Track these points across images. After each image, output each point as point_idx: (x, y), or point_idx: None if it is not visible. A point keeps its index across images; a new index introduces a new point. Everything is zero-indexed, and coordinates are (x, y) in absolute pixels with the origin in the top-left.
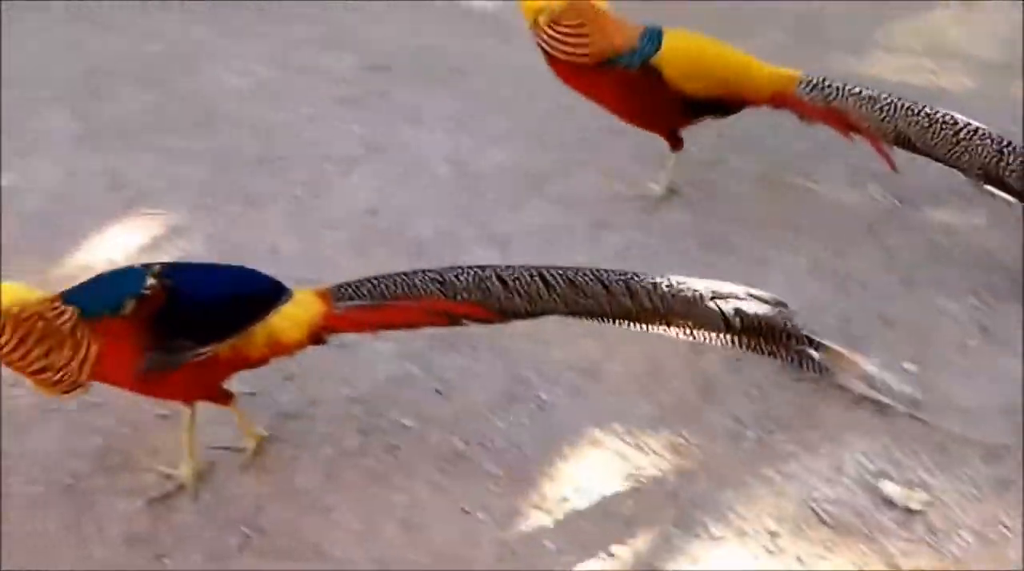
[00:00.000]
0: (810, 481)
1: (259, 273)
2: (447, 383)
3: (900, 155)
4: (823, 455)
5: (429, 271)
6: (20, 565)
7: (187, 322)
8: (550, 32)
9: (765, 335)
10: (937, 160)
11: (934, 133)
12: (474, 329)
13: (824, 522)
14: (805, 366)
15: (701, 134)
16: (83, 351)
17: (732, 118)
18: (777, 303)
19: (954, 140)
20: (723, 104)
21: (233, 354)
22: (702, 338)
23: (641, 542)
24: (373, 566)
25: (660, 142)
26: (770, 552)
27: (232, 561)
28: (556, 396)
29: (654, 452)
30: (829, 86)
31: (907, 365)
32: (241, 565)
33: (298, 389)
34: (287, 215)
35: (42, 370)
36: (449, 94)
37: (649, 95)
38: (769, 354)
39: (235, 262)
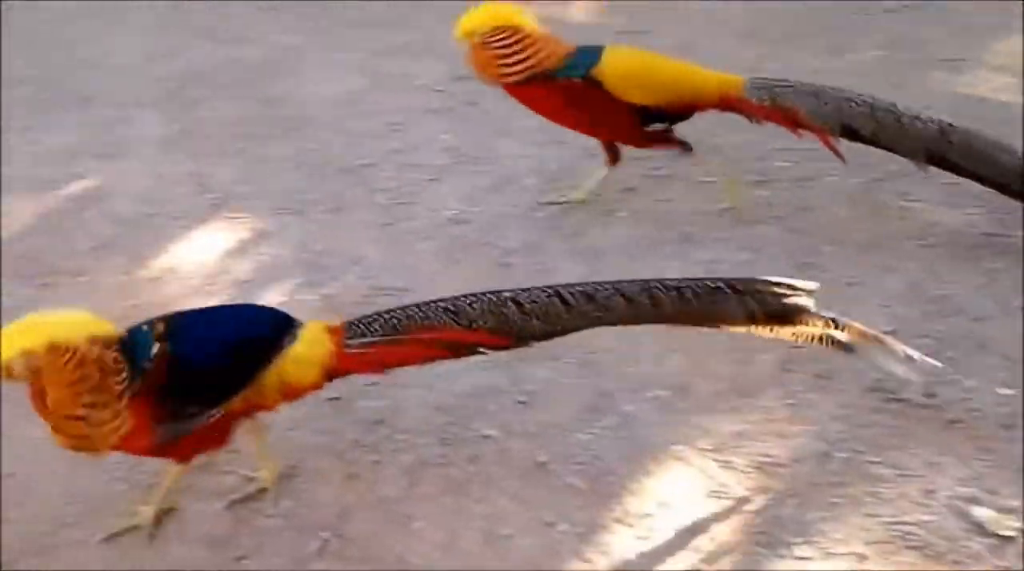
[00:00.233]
0: (899, 504)
1: (263, 309)
2: (531, 394)
3: None
4: (913, 478)
5: (441, 301)
6: (100, 565)
7: (193, 388)
8: (486, 53)
9: (791, 321)
10: (882, 147)
11: (877, 121)
12: (559, 343)
13: (913, 546)
14: (833, 348)
15: (794, 150)
16: (121, 419)
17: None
18: (800, 289)
19: (897, 126)
20: (672, 110)
21: (246, 406)
22: (728, 330)
23: (725, 561)
24: None
25: (751, 156)
26: None
27: (312, 565)
28: (641, 410)
29: (740, 470)
30: (774, 85)
31: (1002, 390)
32: (321, 570)
33: (381, 395)
34: (373, 223)
35: (78, 418)
36: None
37: (593, 105)
38: (795, 338)
39: (319, 268)
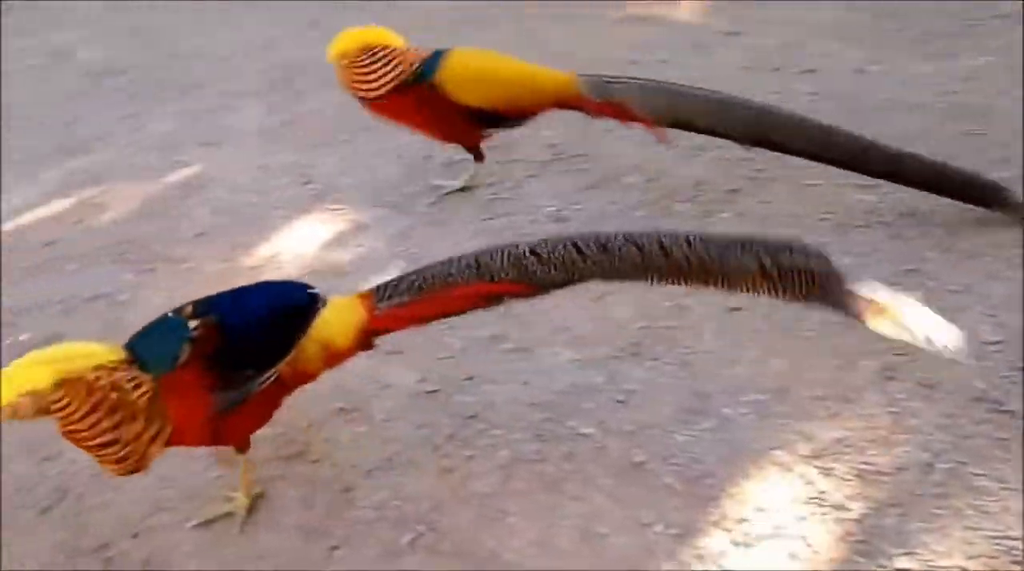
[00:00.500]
0: (1003, 518)
1: (288, 283)
2: (628, 393)
3: None
4: (1017, 492)
5: (463, 257)
6: (192, 550)
7: (245, 350)
8: (352, 73)
9: (804, 283)
10: (709, 134)
11: (701, 110)
12: (659, 343)
13: (1017, 562)
14: (845, 311)
15: None
16: (156, 422)
17: None
18: (814, 252)
19: (720, 111)
20: (510, 112)
21: (292, 372)
22: (742, 291)
23: (823, 570)
24: None
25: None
26: None
27: (405, 558)
28: (740, 414)
29: (840, 477)
30: (606, 82)
31: None
32: (413, 563)
33: (477, 391)
34: (473, 218)
35: (110, 444)
36: None
37: (439, 110)
38: (808, 300)
39: (417, 261)
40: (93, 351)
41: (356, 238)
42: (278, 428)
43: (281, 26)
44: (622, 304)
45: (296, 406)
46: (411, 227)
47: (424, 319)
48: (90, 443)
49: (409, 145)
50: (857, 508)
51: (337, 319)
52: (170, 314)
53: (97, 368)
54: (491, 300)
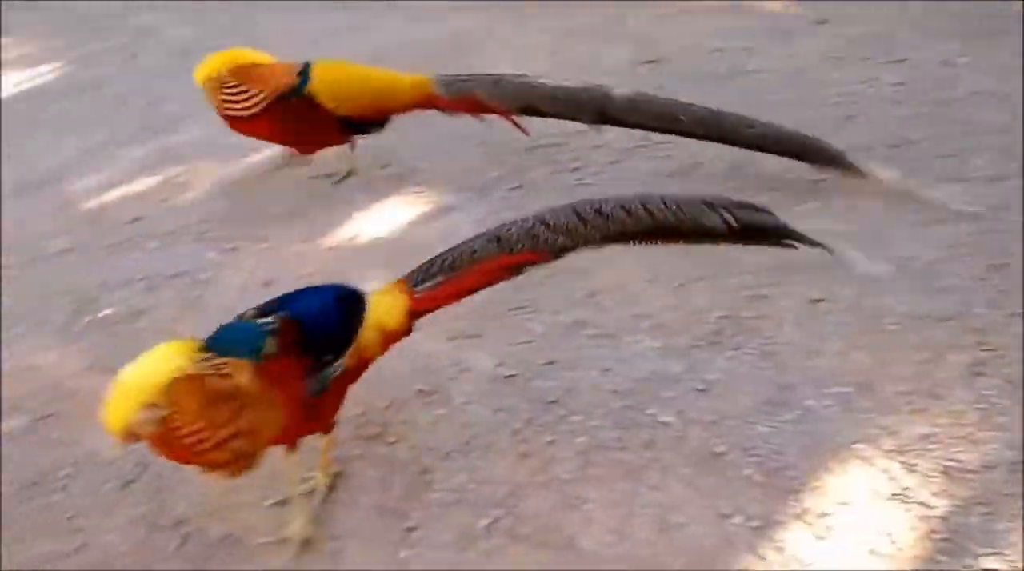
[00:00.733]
0: None
1: (328, 285)
2: (709, 383)
3: None
4: None
5: (483, 234)
6: (270, 528)
7: (324, 337)
8: (222, 95)
9: (760, 233)
10: (561, 118)
11: (553, 98)
12: (740, 333)
13: None
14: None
15: (992, 148)
16: (267, 411)
17: None
18: (763, 209)
19: (568, 98)
20: (372, 117)
21: (358, 359)
22: (710, 243)
23: (906, 567)
24: (623, 565)
25: (944, 152)
26: None
27: (480, 542)
28: (823, 406)
29: (925, 474)
30: (457, 79)
31: None
32: (489, 547)
33: (557, 376)
34: (556, 203)
35: (228, 439)
36: (725, 92)
37: (313, 121)
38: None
39: None
40: (176, 349)
41: (438, 221)
42: (357, 409)
43: (359, 12)
44: (702, 292)
45: (375, 388)
46: (493, 211)
47: (458, 295)
48: (208, 443)
49: (491, 129)
50: (942, 505)
51: (385, 306)
52: (232, 320)
53: (196, 361)
54: (513, 270)
